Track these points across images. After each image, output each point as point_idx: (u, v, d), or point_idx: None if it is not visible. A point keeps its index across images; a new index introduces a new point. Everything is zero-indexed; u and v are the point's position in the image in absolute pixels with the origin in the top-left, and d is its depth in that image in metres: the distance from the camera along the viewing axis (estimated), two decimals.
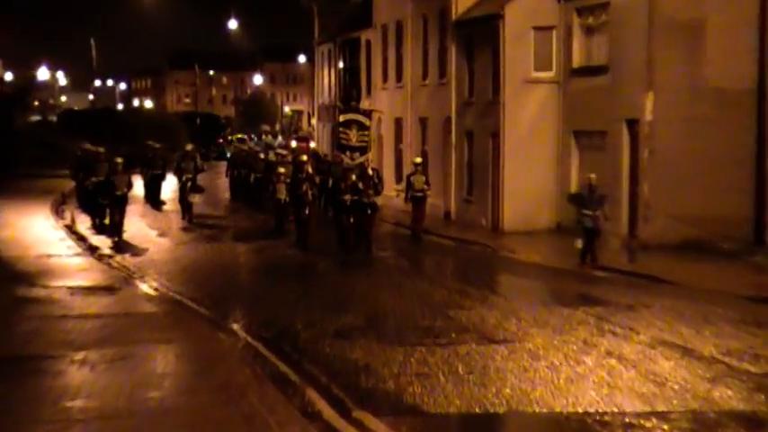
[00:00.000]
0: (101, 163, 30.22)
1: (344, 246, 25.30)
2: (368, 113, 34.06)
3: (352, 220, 25.43)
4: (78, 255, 24.44)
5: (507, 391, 12.07)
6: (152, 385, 11.82)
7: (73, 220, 30.91)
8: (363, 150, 33.11)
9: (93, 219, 30.15)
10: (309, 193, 26.23)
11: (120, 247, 25.65)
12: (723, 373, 13.02)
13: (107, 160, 30.30)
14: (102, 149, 32.41)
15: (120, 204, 27.34)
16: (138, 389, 11.66)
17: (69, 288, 19.24)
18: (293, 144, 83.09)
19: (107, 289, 19.35)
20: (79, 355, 13.20)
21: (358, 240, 25.44)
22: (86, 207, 32.13)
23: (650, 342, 14.82)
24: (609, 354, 14.05)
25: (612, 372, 13.03)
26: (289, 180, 27.94)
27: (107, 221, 28.10)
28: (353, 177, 25.82)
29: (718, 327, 16.00)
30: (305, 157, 28.94)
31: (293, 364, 13.45)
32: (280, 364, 13.37)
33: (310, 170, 27.68)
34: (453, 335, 15.34)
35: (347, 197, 25.49)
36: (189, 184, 32.01)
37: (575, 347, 14.45)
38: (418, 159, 30.35)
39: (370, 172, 26.51)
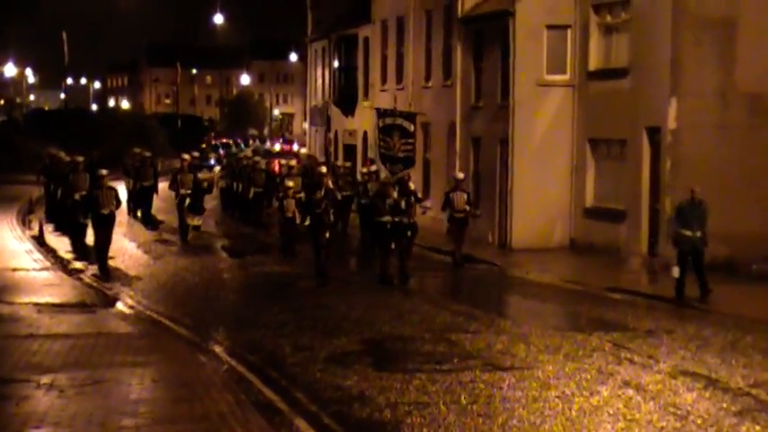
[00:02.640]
0: (79, 174, 28.94)
1: (385, 275, 23.49)
2: (411, 117, 32.04)
3: (393, 245, 23.63)
4: (47, 269, 24.51)
5: (514, 422, 12.12)
6: (126, 412, 11.86)
7: (41, 231, 30.92)
8: (408, 162, 31.35)
9: (72, 240, 28.57)
10: (330, 212, 23.88)
11: (107, 273, 24.03)
12: (751, 406, 13.06)
13: (87, 170, 29.09)
14: (80, 158, 30.72)
15: (106, 225, 24.76)
16: (111, 416, 11.69)
17: (36, 305, 19.31)
18: (277, 147, 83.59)
19: (78, 306, 19.42)
20: (46, 379, 13.23)
21: (404, 268, 23.87)
22: (64, 226, 30.58)
23: (671, 371, 14.87)
24: (626, 384, 14.10)
25: (630, 403, 13.08)
26: (300, 195, 26.36)
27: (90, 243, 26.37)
28: (395, 194, 24.05)
29: (747, 356, 16.04)
30: (324, 169, 26.66)
31: (281, 390, 13.50)
32: (266, 391, 13.42)
33: (330, 184, 25.67)
34: (456, 361, 15.40)
35: (387, 218, 23.68)
36: (187, 201, 30.31)
37: (589, 376, 14.50)
38: (460, 174, 28.20)
39: (412, 186, 25.02)
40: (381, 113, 33.57)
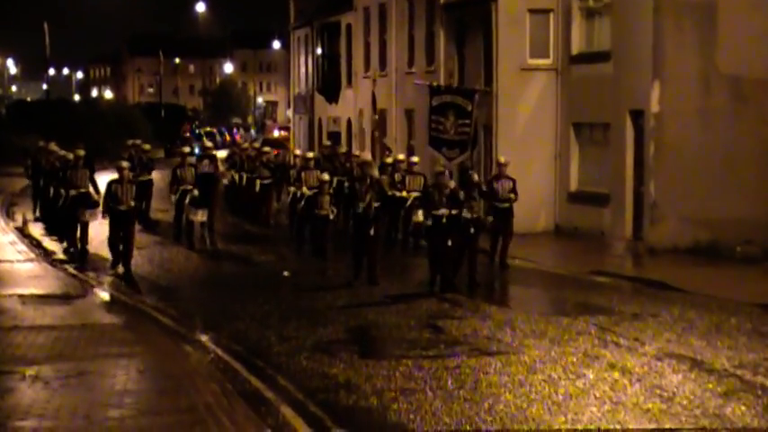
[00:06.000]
0: (78, 170, 25.96)
1: (444, 279, 20.57)
2: (470, 94, 29.20)
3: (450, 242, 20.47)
4: (31, 260, 24.42)
5: (501, 407, 12.14)
6: (112, 404, 11.84)
7: (25, 222, 30.79)
8: (464, 146, 28.96)
9: (69, 243, 25.80)
10: (374, 206, 21.22)
11: (132, 280, 21.95)
12: (736, 387, 13.11)
13: (85, 165, 26.60)
14: (81, 152, 26.88)
15: (123, 224, 22.45)
16: (97, 408, 11.67)
17: (20, 296, 19.24)
18: (276, 133, 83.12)
19: (62, 297, 19.34)
20: (31, 371, 13.19)
21: (455, 272, 20.90)
22: (60, 228, 27.35)
23: (657, 354, 14.91)
24: (612, 366, 14.14)
25: (615, 386, 13.12)
26: (332, 191, 24.17)
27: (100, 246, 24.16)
28: (451, 184, 21.42)
29: (732, 337, 16.09)
30: (369, 157, 24.21)
31: (267, 379, 13.49)
32: (252, 380, 13.41)
33: (376, 173, 23.00)
34: (442, 347, 15.41)
35: (444, 211, 20.58)
36: (188, 197, 27.38)
37: (574, 360, 14.54)
38: (503, 158, 24.78)
39: (475, 177, 22.12)
40: (435, 90, 30.24)
